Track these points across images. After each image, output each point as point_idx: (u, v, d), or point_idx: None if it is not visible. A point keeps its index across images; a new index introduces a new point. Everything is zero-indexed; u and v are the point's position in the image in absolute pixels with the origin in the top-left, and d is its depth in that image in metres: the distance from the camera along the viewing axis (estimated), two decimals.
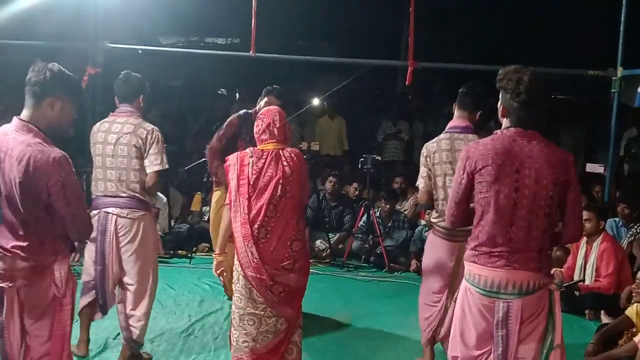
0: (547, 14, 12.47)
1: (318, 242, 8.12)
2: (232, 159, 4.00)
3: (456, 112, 4.53)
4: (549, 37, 12.75)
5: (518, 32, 12.80)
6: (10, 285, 3.07)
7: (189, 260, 7.61)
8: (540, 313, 3.09)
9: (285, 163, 3.92)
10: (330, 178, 8.66)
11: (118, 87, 4.58)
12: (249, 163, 3.92)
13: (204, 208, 8.34)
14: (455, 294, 4.10)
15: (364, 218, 8.14)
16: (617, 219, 7.33)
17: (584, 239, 6.44)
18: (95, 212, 4.41)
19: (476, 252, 3.11)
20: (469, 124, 4.43)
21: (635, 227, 7.02)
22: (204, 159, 6.54)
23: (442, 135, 4.48)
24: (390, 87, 13.60)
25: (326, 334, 5.47)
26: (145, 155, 4.41)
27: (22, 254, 3.04)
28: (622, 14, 7.33)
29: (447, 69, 8.13)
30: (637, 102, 6.97)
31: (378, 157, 8.50)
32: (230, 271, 4.17)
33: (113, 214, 4.40)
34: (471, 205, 3.20)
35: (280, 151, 3.97)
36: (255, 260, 3.83)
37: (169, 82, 13.57)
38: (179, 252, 7.81)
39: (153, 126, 4.50)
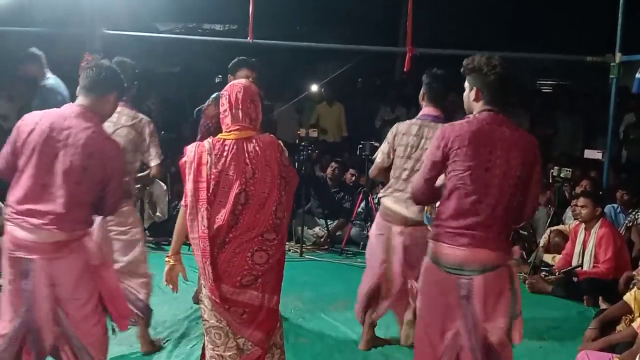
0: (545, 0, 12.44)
1: (317, 229, 8.13)
2: (188, 154, 3.26)
3: (425, 102, 4.64)
4: (547, 22, 12.72)
5: (516, 17, 12.75)
6: (38, 257, 3.17)
7: (188, 246, 7.59)
8: (503, 289, 3.20)
9: (247, 161, 3.20)
10: (332, 164, 8.71)
11: None
12: (207, 162, 3.19)
13: None
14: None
15: (362, 204, 8.15)
16: (615, 205, 7.34)
17: (582, 225, 6.45)
18: None
19: (441, 230, 3.21)
20: (440, 113, 4.58)
21: (634, 212, 7.03)
22: None
23: (414, 120, 4.63)
24: (389, 73, 13.56)
25: (325, 320, 5.49)
26: (146, 149, 4.51)
27: (59, 229, 3.17)
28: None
29: (445, 55, 8.07)
30: (636, 88, 6.94)
31: (376, 144, 8.49)
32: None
33: None
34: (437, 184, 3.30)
35: (244, 143, 3.23)
36: (211, 281, 3.22)
37: (167, 69, 13.52)
38: None
39: (147, 118, 4.60)
